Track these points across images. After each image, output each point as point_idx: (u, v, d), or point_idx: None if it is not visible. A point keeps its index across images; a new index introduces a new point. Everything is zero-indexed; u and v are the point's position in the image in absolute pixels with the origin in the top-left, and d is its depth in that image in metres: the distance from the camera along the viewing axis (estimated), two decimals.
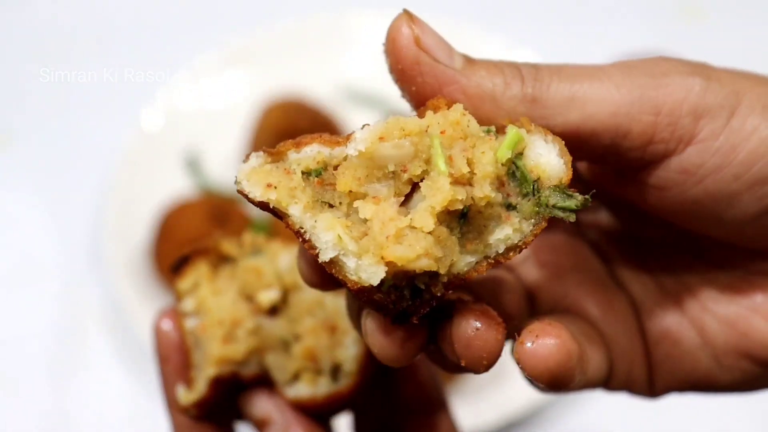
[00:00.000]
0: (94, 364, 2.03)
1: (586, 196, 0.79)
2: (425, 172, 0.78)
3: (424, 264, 0.75)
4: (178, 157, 2.23)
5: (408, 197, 0.78)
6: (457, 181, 0.77)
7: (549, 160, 0.79)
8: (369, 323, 0.82)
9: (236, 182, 0.81)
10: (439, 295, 0.79)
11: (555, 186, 0.79)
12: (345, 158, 0.79)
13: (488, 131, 0.80)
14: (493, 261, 0.81)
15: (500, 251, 0.81)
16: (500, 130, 0.80)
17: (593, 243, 1.03)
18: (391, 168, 0.77)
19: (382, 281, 0.76)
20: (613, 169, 0.89)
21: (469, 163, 0.78)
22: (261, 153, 0.81)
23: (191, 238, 1.97)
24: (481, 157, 0.78)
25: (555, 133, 0.80)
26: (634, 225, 1.00)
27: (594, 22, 2.55)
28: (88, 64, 2.42)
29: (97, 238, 2.14)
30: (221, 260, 1.11)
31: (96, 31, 2.53)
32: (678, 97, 0.81)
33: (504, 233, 0.80)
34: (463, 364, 0.81)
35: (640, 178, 0.85)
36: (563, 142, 0.79)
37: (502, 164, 0.79)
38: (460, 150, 0.78)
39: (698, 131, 0.81)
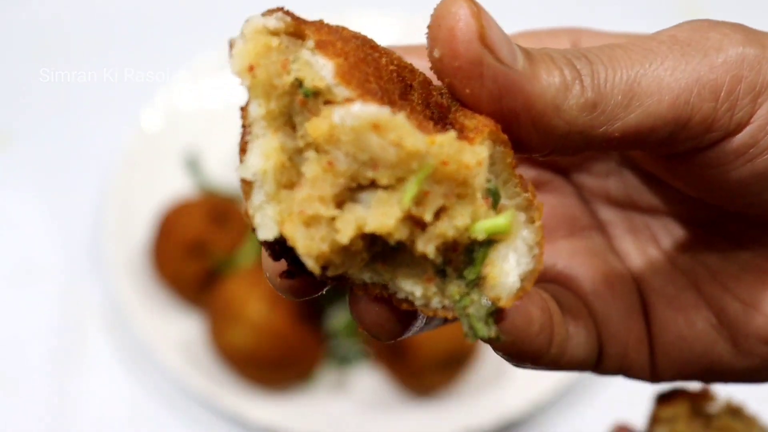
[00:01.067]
0: (94, 365, 2.03)
1: (501, 337, 0.70)
2: (390, 187, 0.66)
3: (310, 264, 0.65)
4: (178, 157, 2.22)
5: (361, 187, 0.67)
6: (410, 218, 0.66)
7: (509, 273, 0.69)
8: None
9: (241, 33, 0.68)
10: (318, 281, 0.71)
11: (488, 301, 0.69)
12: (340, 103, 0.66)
13: (488, 191, 0.69)
14: (386, 295, 0.71)
15: (398, 296, 0.71)
16: (522, 185, 0.70)
17: (596, 211, 0.95)
18: (363, 157, 0.65)
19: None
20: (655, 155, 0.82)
21: (440, 210, 0.67)
22: (287, 17, 0.69)
23: (191, 239, 1.98)
24: (454, 217, 0.67)
25: (613, 138, 0.72)
26: (644, 196, 0.93)
27: (593, 22, 2.55)
28: (88, 64, 2.42)
29: (97, 238, 2.14)
30: (700, 411, 1.12)
31: (96, 31, 2.53)
32: (735, 75, 0.73)
33: (412, 289, 0.70)
34: (361, 330, 0.74)
35: (680, 159, 0.78)
36: (541, 267, 0.70)
37: (469, 237, 0.68)
38: (443, 193, 0.66)
39: (756, 110, 0.74)
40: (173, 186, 2.17)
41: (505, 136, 0.70)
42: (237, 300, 1.89)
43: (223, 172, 2.19)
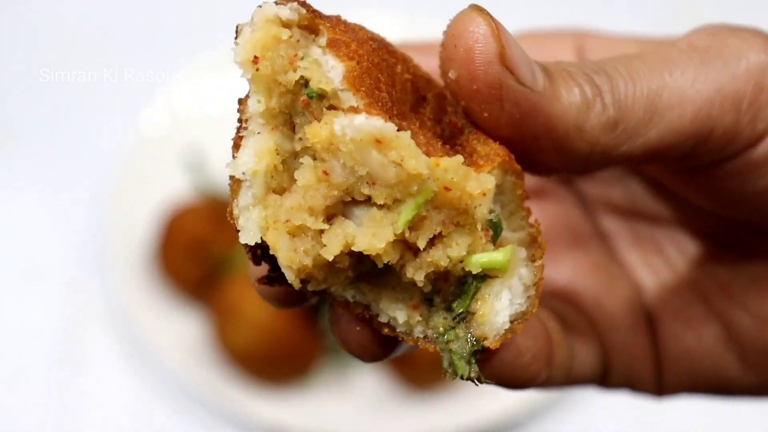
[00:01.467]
0: (98, 366, 2.03)
1: (482, 379, 0.66)
2: (385, 206, 0.62)
3: (290, 277, 0.62)
4: (178, 157, 2.23)
5: (355, 202, 0.63)
6: (403, 241, 0.63)
7: (499, 312, 0.65)
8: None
9: (251, 20, 0.63)
10: (299, 292, 0.67)
11: (474, 339, 0.65)
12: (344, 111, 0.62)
13: (490, 223, 0.65)
14: (368, 316, 0.67)
15: (380, 319, 0.67)
16: (529, 219, 0.66)
17: (599, 220, 0.92)
18: (361, 172, 0.61)
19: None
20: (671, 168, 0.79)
21: (435, 237, 0.63)
22: (303, 9, 0.64)
23: (194, 240, 1.99)
24: (450, 246, 0.63)
25: (634, 156, 0.68)
26: (650, 205, 0.90)
27: (591, 23, 2.56)
28: (88, 64, 2.42)
29: (100, 240, 2.14)
30: None
31: (96, 31, 2.53)
32: (757, 83, 0.70)
33: (395, 314, 0.66)
34: (342, 350, 0.71)
35: (697, 171, 0.75)
36: (535, 310, 0.66)
37: (463, 269, 0.64)
38: (442, 219, 0.63)
39: None
40: (174, 186, 2.17)
41: (519, 167, 0.66)
42: (240, 301, 1.91)
43: (224, 172, 2.19)
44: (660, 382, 0.87)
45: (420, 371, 1.93)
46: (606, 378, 0.84)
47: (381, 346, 0.70)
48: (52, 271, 2.14)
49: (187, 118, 2.28)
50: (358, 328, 0.69)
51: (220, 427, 1.97)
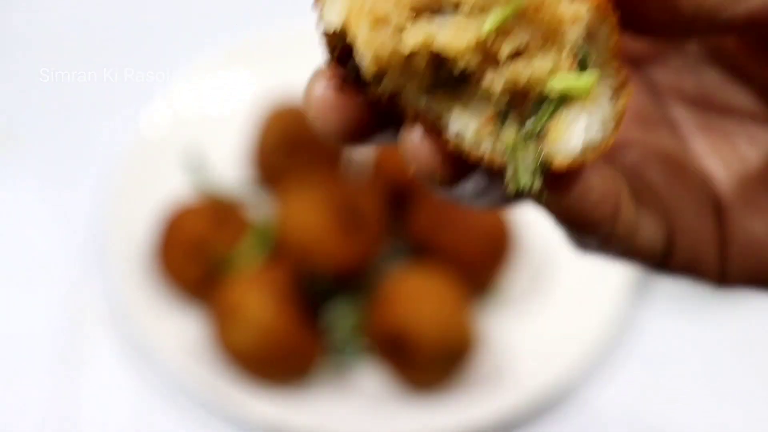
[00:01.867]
0: (98, 366, 2.03)
1: (544, 194, 0.65)
2: (473, 15, 0.61)
3: (367, 61, 0.61)
4: (180, 157, 2.23)
5: (442, 12, 0.62)
6: (484, 49, 0.62)
7: (573, 135, 0.64)
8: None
9: None
10: (367, 105, 0.65)
11: (543, 159, 0.64)
12: None
13: (580, 50, 0.63)
14: (438, 128, 0.65)
15: (450, 130, 0.65)
16: (618, 72, 0.66)
17: (668, 108, 0.90)
18: None
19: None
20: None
21: (518, 50, 0.62)
22: None
23: (195, 241, 1.99)
24: (533, 63, 0.62)
25: (739, 20, 0.67)
26: (723, 94, 0.88)
27: None
28: (88, 64, 2.43)
29: (100, 240, 2.14)
30: None
31: (96, 31, 2.53)
32: None
33: (467, 123, 0.65)
34: (412, 172, 0.69)
35: None
36: (610, 144, 0.65)
37: (542, 92, 0.63)
38: (527, 36, 0.62)
39: None
40: (174, 186, 2.17)
41: (614, 18, 0.65)
42: (240, 301, 1.91)
43: (226, 172, 2.19)
44: (723, 269, 0.85)
45: (420, 371, 1.94)
46: (668, 257, 0.82)
47: (452, 168, 0.68)
48: (52, 271, 2.14)
49: (187, 118, 2.28)
50: (431, 145, 0.67)
51: (220, 427, 1.97)
